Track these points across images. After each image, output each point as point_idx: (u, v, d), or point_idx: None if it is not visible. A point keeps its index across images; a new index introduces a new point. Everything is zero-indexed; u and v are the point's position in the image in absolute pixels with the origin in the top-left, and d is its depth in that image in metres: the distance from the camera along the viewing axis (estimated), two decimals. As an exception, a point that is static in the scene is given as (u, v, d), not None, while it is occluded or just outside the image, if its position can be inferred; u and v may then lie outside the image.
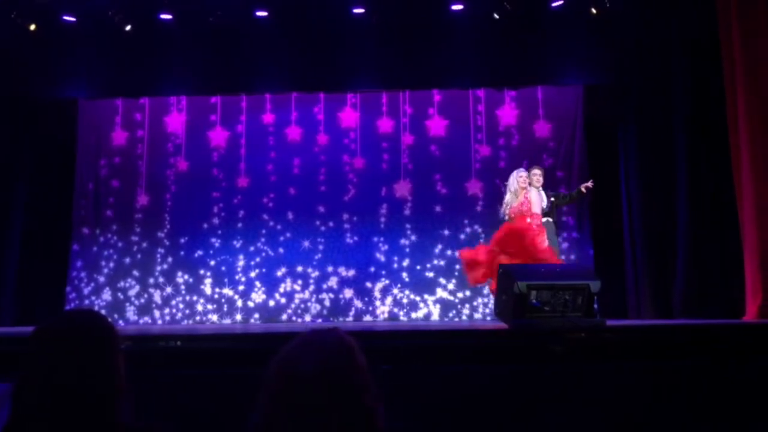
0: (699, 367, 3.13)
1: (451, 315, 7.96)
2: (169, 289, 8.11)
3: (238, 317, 8.03)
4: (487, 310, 7.75)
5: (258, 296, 8.06)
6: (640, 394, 2.92)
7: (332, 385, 1.22)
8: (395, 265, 8.04)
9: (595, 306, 4.79)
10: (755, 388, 2.89)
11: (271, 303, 8.05)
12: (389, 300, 8.00)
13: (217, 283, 8.12)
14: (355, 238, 8.12)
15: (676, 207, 7.24)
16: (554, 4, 7.63)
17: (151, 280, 8.13)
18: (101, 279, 8.12)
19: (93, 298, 8.06)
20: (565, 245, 7.87)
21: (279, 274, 8.07)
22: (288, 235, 8.13)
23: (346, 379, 1.24)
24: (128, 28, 7.81)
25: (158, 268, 8.15)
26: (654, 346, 3.58)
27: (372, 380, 1.27)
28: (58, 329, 1.49)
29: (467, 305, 7.95)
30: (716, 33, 6.76)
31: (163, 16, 7.81)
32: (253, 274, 8.07)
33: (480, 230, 8.00)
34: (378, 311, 7.97)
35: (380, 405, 1.26)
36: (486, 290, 7.76)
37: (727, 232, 6.73)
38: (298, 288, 8.05)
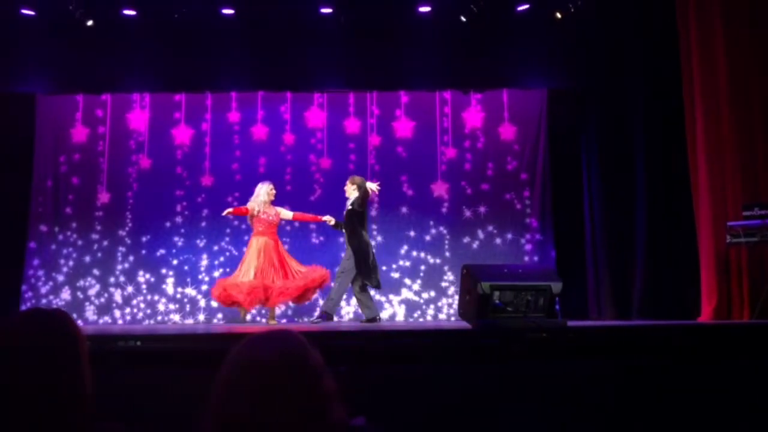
0: (656, 366, 3.21)
1: (416, 315, 7.99)
2: (130, 289, 7.97)
3: (201, 317, 7.93)
4: (452, 311, 7.81)
5: (222, 296, 7.96)
6: (600, 392, 2.98)
7: (291, 368, 1.23)
8: (361, 266, 8.02)
9: (557, 307, 4.87)
10: (709, 387, 2.98)
11: (235, 303, 7.95)
12: (354, 300, 7.98)
13: (180, 282, 8.00)
14: (321, 239, 8.10)
15: (635, 211, 7.41)
16: (520, 8, 7.74)
17: (112, 279, 7.97)
18: (60, 278, 7.93)
19: (51, 297, 7.87)
20: (528, 247, 8.03)
21: (243, 274, 7.98)
22: (253, 234, 8.04)
23: (304, 363, 1.25)
24: (90, 22, 7.63)
25: (119, 266, 8.00)
26: (614, 346, 3.66)
27: (327, 370, 1.28)
28: (18, 330, 1.38)
29: (432, 306, 8.00)
30: (676, 39, 6.94)
31: (126, 12, 7.65)
32: (216, 274, 7.97)
33: (445, 231, 8.07)
34: (342, 311, 7.95)
35: (337, 393, 1.27)
36: (451, 290, 7.85)
37: (685, 236, 6.92)
38: (262, 288, 7.96)
